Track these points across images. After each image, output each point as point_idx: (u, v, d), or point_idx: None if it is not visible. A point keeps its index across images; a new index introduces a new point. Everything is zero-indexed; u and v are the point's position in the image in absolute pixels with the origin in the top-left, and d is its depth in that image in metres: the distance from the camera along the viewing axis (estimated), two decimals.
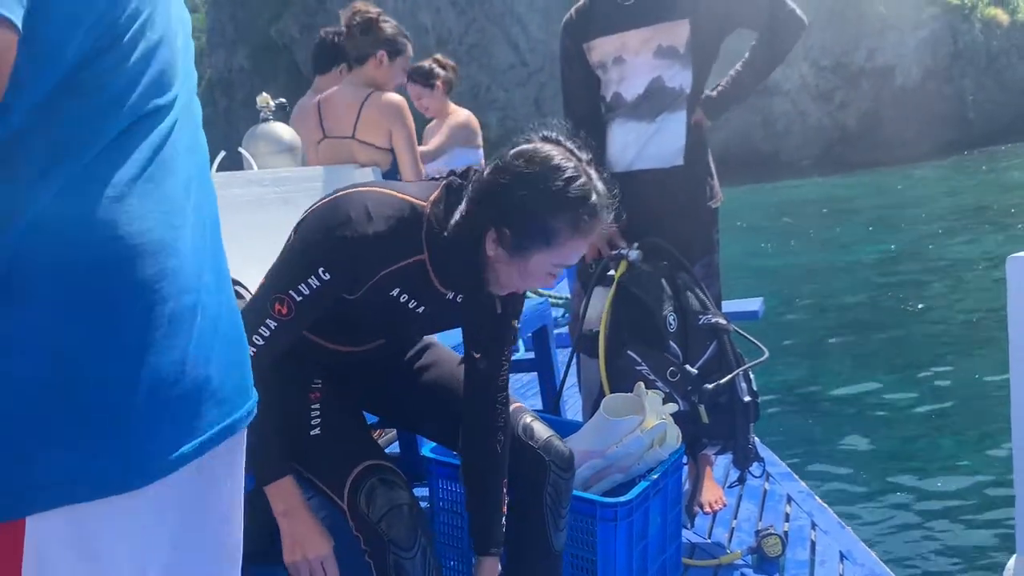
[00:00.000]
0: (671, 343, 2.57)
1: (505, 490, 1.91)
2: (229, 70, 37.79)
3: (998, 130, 25.45)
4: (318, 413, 1.80)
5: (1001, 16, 27.44)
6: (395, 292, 1.72)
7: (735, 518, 2.90)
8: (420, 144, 3.85)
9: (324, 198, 1.73)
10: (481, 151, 4.52)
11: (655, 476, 2.29)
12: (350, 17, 3.31)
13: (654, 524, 2.31)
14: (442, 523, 2.35)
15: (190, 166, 0.97)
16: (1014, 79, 27.06)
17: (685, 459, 2.55)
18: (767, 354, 2.60)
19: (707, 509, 2.88)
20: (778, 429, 5.34)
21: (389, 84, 3.41)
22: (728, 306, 3.10)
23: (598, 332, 2.62)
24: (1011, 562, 2.09)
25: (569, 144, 1.63)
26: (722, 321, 2.62)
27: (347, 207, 1.65)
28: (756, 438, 2.67)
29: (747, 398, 2.58)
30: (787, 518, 2.90)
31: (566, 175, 1.57)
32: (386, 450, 3.67)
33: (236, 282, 2.16)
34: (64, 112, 0.83)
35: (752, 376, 2.63)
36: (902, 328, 7.89)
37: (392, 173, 3.54)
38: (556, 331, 3.37)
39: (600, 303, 2.66)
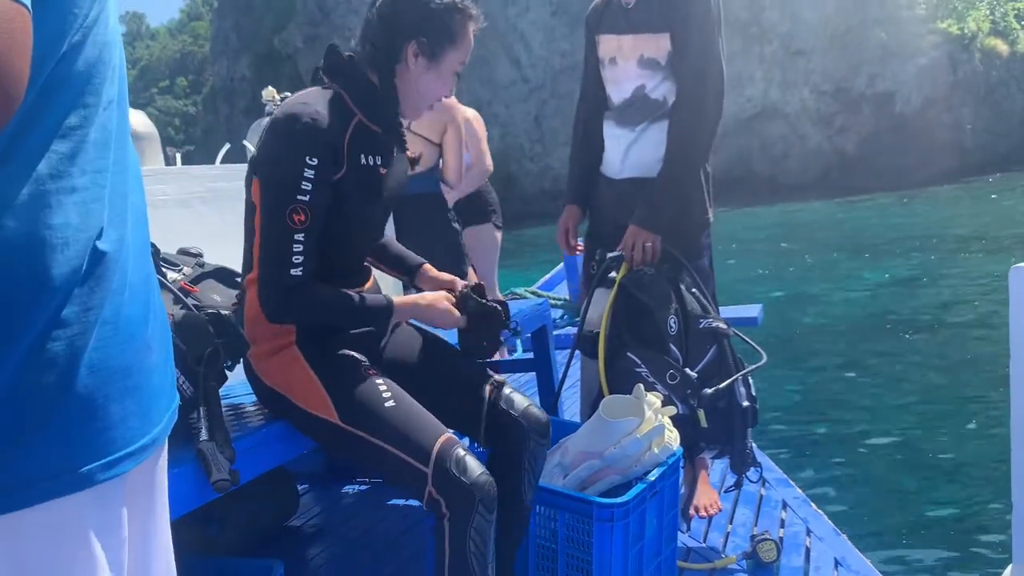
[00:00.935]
0: (671, 346, 2.57)
1: None
2: (231, 78, 37.89)
3: (996, 159, 25.60)
4: (386, 388, 1.90)
5: (1001, 47, 27.65)
6: (362, 158, 1.93)
7: (731, 523, 2.90)
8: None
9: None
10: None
11: (652, 478, 2.28)
12: None
13: (650, 526, 2.30)
14: None
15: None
16: (1013, 109, 27.24)
17: (682, 462, 2.54)
18: (766, 358, 2.61)
19: (703, 513, 2.87)
20: (775, 435, 5.34)
21: None
22: (727, 312, 3.11)
23: (598, 333, 2.62)
24: (1007, 571, 2.08)
25: None
26: (722, 325, 2.62)
27: (284, 112, 1.88)
28: (753, 443, 2.66)
29: (746, 403, 2.57)
30: (782, 524, 2.89)
31: None
32: None
33: (237, 273, 2.16)
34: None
35: (751, 381, 2.63)
36: (899, 344, 7.95)
37: (432, 174, 3.76)
38: (555, 332, 3.37)
39: (601, 304, 2.66)
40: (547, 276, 6.58)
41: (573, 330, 3.12)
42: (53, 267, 0.83)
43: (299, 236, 1.82)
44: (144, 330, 0.96)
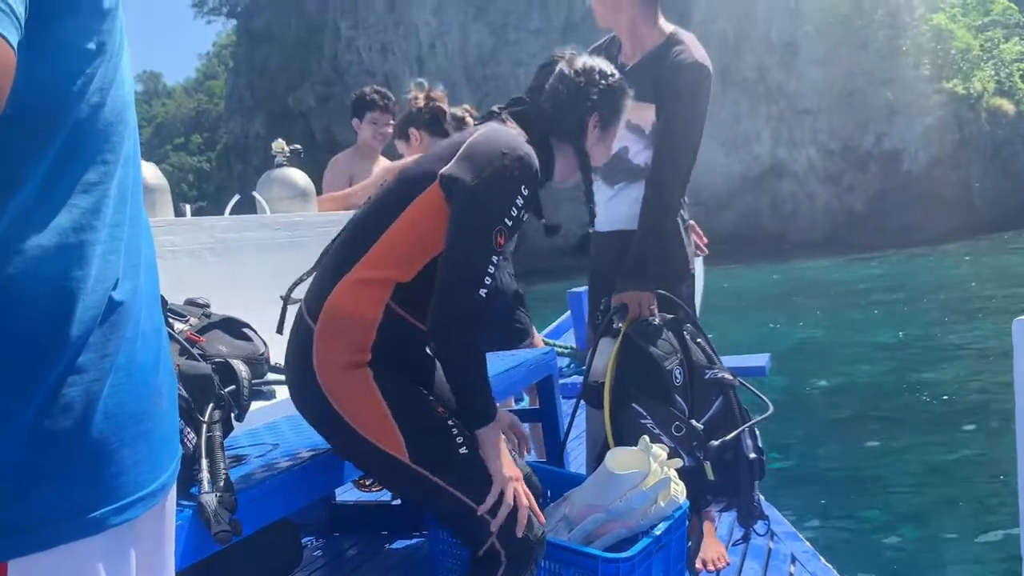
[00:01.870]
0: (677, 397, 2.56)
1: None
2: (245, 136, 38.46)
3: (1004, 217, 25.64)
4: (457, 431, 1.90)
5: (1007, 106, 27.90)
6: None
7: None
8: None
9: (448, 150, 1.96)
10: None
11: (658, 532, 2.25)
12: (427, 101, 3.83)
13: None
14: (440, 567, 2.31)
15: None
16: (1019, 168, 27.38)
17: (688, 515, 2.52)
18: (772, 409, 2.59)
19: (710, 567, 2.83)
20: (783, 487, 5.29)
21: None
22: (736, 361, 3.11)
23: (603, 383, 2.61)
24: None
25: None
26: (728, 376, 2.62)
27: (503, 141, 1.93)
28: (761, 496, 2.63)
29: (752, 455, 2.56)
30: None
31: (608, 71, 2.15)
32: (382, 498, 3.65)
33: (244, 324, 2.17)
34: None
35: (758, 433, 2.61)
36: (908, 399, 7.92)
37: None
38: (561, 381, 3.36)
39: (606, 354, 2.66)
40: (554, 324, 6.58)
41: (579, 379, 3.13)
42: (74, 316, 0.86)
43: (495, 259, 1.84)
44: (155, 378, 0.98)
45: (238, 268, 2.65)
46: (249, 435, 2.05)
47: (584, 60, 2.15)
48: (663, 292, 2.74)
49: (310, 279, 2.06)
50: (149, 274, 1.01)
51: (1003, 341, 2.07)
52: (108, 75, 0.90)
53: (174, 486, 1.05)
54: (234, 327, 2.21)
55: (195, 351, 1.91)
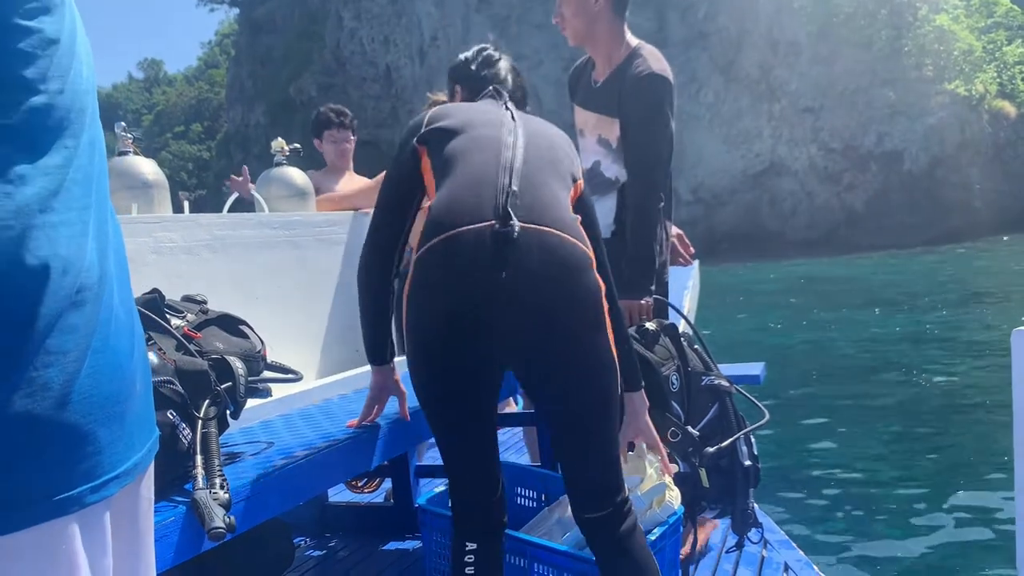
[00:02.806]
0: (673, 403, 2.55)
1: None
2: (246, 125, 38.42)
3: (1004, 219, 25.66)
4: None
5: (1008, 108, 27.90)
6: None
7: None
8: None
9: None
10: None
11: (653, 538, 2.25)
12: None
13: None
14: (432, 569, 2.31)
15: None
16: (1020, 170, 27.37)
17: (683, 522, 2.52)
18: (768, 416, 2.59)
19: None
20: (777, 495, 5.29)
21: None
22: (730, 370, 3.10)
23: None
24: None
25: None
26: (724, 383, 2.61)
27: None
28: (755, 503, 2.63)
29: (748, 462, 2.55)
30: None
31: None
32: (374, 499, 3.64)
33: (241, 321, 2.16)
34: None
35: (753, 440, 2.61)
36: (908, 404, 7.89)
37: None
38: None
39: None
40: None
41: None
42: (46, 297, 0.87)
43: None
44: (130, 361, 1.00)
45: (235, 265, 2.64)
46: (244, 433, 2.04)
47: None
48: (660, 298, 2.74)
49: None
50: (119, 260, 1.03)
51: (1002, 345, 2.05)
52: (64, 62, 0.92)
53: (151, 466, 1.07)
54: (231, 324, 2.20)
55: (192, 347, 1.91)
